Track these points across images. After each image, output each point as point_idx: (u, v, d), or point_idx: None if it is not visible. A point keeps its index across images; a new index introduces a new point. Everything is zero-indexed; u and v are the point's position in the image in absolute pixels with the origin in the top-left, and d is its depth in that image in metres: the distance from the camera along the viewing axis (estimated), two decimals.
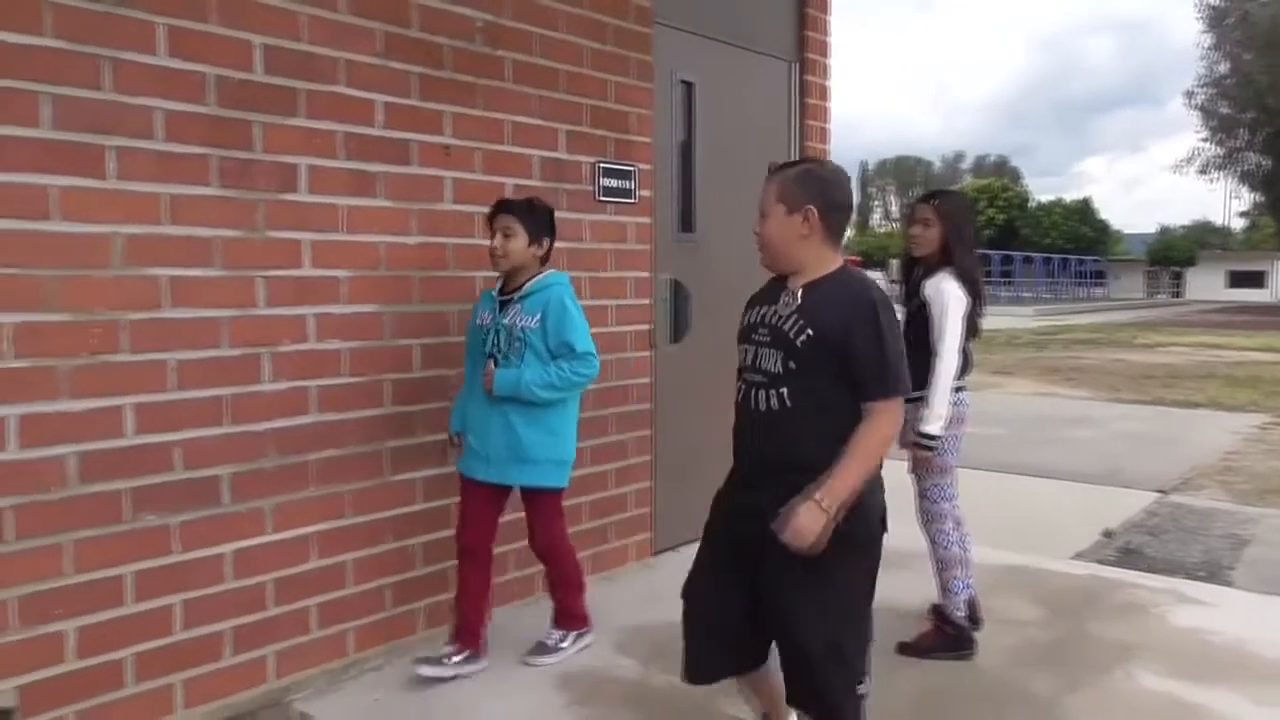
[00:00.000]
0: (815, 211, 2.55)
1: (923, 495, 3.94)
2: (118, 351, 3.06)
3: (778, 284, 2.66)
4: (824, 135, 6.14)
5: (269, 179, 3.40)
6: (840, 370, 2.47)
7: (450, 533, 3.81)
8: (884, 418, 2.48)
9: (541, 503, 3.67)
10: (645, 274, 4.93)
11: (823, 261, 2.58)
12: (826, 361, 2.47)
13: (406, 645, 3.88)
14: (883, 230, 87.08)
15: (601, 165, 4.62)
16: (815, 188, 2.57)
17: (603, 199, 4.67)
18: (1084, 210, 65.29)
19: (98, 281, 3.01)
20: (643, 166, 4.86)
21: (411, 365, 3.88)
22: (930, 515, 3.93)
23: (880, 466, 2.55)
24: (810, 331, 2.48)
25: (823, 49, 6.10)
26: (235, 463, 3.35)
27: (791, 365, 2.50)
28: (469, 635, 3.66)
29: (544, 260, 3.65)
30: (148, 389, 3.13)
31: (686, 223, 5.25)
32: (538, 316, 3.50)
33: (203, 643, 3.29)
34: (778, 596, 2.53)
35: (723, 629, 2.66)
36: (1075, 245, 59.96)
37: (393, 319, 3.80)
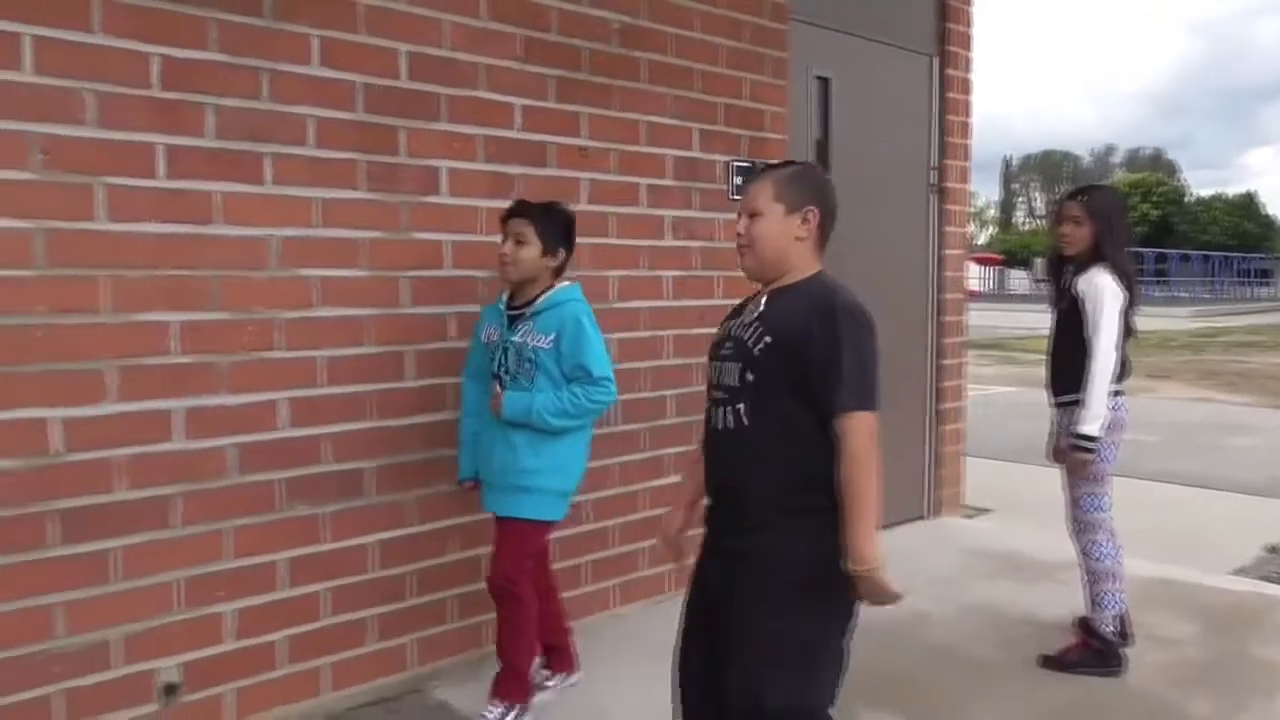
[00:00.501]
0: (817, 213, 2.35)
1: (1076, 504, 3.78)
2: (272, 348, 3.21)
3: (753, 296, 2.42)
4: (965, 130, 5.96)
5: (412, 182, 3.51)
6: (801, 386, 2.19)
7: (589, 527, 3.86)
8: (850, 437, 2.14)
9: (516, 531, 3.22)
10: None
11: (806, 266, 2.35)
12: (786, 374, 2.20)
13: None
14: (1026, 228, 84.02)
15: (735, 164, 4.60)
16: (816, 188, 2.39)
17: (736, 198, 4.64)
18: (1248, 205, 61.53)
19: (255, 282, 3.16)
20: None
21: None
22: (1083, 525, 3.77)
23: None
24: (768, 339, 2.24)
25: (964, 41, 5.92)
26: (379, 456, 3.48)
27: (749, 378, 2.25)
28: (557, 656, 3.50)
29: (558, 273, 3.28)
30: (299, 384, 3.28)
31: None
32: (551, 336, 3.14)
33: (348, 629, 3.43)
34: (729, 654, 2.25)
35: (706, 708, 2.34)
36: (1238, 242, 56.51)
37: None
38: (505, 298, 3.31)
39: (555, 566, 3.99)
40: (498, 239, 3.73)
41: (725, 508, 2.34)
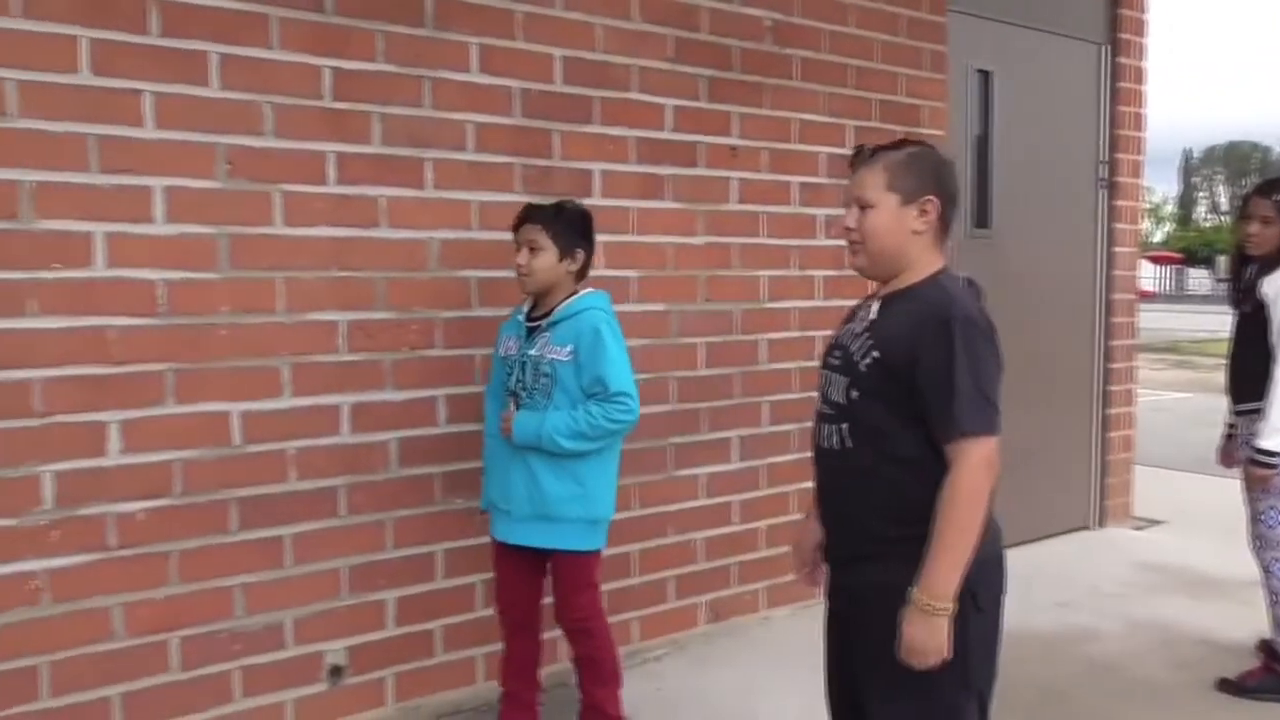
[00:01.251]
0: (937, 203, 2.07)
1: (1256, 519, 3.53)
2: (432, 347, 3.33)
3: (870, 297, 2.20)
4: (1138, 121, 5.65)
5: (566, 184, 3.58)
6: (913, 408, 1.98)
7: (739, 527, 3.86)
8: (965, 464, 1.92)
9: (569, 568, 2.99)
10: None
11: (925, 264, 2.09)
12: (895, 393, 1.99)
13: (687, 640, 3.97)
14: (1208, 224, 78.98)
15: None
16: (935, 174, 2.10)
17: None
18: None
19: (417, 282, 3.29)
20: None
21: (696, 363, 3.96)
22: (1265, 541, 3.52)
23: (988, 522, 1.98)
24: (876, 353, 2.02)
25: (1138, 27, 5.61)
26: None
27: (854, 395, 2.04)
28: (515, 708, 3.14)
29: (580, 276, 3.03)
30: (457, 382, 3.39)
31: (982, 218, 5.02)
32: (569, 348, 2.88)
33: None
34: (862, 695, 2.11)
35: None
36: None
37: (679, 317, 3.90)
38: (526, 308, 3.07)
39: (703, 567, 4.02)
40: (649, 239, 3.79)
41: (834, 534, 2.17)
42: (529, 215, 2.98)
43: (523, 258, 2.94)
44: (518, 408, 2.94)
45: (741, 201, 4.04)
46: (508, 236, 3.42)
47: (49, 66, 2.64)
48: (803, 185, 4.20)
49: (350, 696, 3.23)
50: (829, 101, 4.27)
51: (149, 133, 2.79)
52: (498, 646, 3.22)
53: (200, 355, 2.91)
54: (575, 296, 2.98)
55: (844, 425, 2.06)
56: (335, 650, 3.20)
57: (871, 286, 2.20)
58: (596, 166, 3.65)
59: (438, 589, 3.39)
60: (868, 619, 2.04)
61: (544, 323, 2.96)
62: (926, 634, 1.90)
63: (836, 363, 2.12)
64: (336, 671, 3.20)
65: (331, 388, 3.14)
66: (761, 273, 4.11)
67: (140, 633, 2.86)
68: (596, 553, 3.03)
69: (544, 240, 2.93)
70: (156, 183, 2.81)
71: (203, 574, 2.95)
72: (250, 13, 2.92)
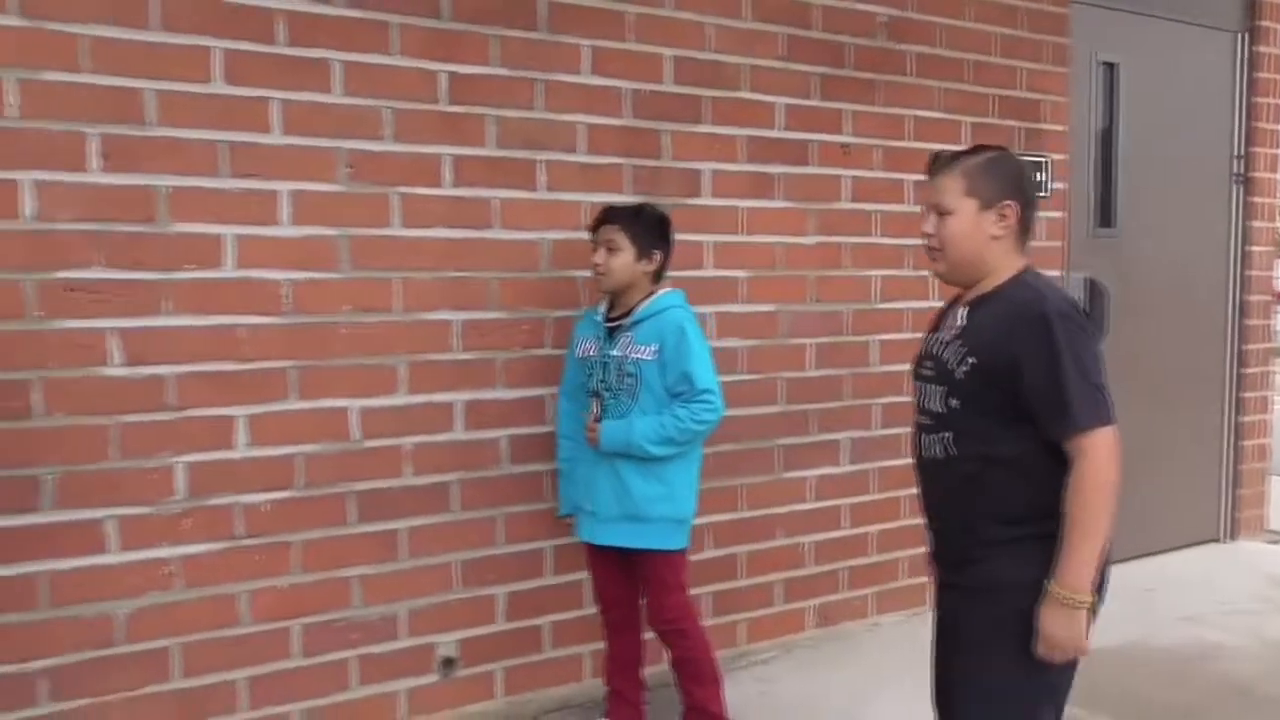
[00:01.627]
0: (1016, 207, 2.08)
1: None
2: (542, 346, 3.37)
3: (954, 303, 2.20)
4: (1277, 113, 5.36)
5: (676, 184, 3.58)
6: (1015, 409, 1.97)
7: (848, 531, 3.81)
8: (1089, 458, 1.91)
9: (659, 569, 3.00)
10: (1057, 272, 4.59)
11: (1007, 267, 2.09)
12: (997, 398, 1.99)
13: (795, 643, 3.93)
14: None
15: None
16: (1013, 178, 2.11)
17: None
18: None
19: (528, 282, 3.33)
20: (1055, 157, 4.54)
21: (805, 364, 3.91)
22: None
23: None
24: (972, 360, 2.01)
25: (1279, 14, 5.33)
26: None
27: (953, 404, 2.05)
28: (621, 705, 3.19)
29: (657, 277, 3.05)
30: None
31: (1105, 217, 4.83)
32: (654, 346, 2.91)
33: None
34: (946, 686, 2.15)
35: None
36: None
37: (788, 318, 3.86)
38: (603, 308, 3.09)
39: (812, 571, 3.98)
40: (759, 239, 3.77)
41: (941, 539, 2.19)
42: (608, 216, 3.02)
43: (599, 256, 2.98)
44: (601, 408, 2.98)
45: (853, 200, 3.98)
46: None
47: (185, 77, 2.76)
48: (917, 183, 4.11)
49: (460, 688, 3.30)
50: (945, 97, 4.18)
51: (276, 138, 2.89)
52: (603, 645, 3.25)
53: (322, 353, 3.01)
54: (655, 296, 3.01)
55: (946, 434, 2.08)
56: (447, 643, 3.27)
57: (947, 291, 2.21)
58: (706, 166, 3.64)
59: (547, 585, 3.43)
60: (971, 617, 2.08)
61: (625, 322, 2.98)
62: (1065, 627, 1.92)
63: (929, 373, 2.14)
64: (448, 663, 3.27)
65: (446, 386, 3.21)
66: (874, 272, 4.04)
67: (264, 619, 2.97)
68: (683, 552, 3.05)
69: (622, 240, 2.96)
70: (282, 186, 2.92)
71: (323, 564, 3.05)
72: (371, 20, 3.00)
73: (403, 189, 3.10)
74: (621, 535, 2.98)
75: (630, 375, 2.92)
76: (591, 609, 3.40)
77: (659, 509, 2.95)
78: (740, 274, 3.74)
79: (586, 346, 3.07)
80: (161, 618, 2.83)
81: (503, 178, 3.26)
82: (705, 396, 2.88)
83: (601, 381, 2.98)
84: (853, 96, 3.94)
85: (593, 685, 3.44)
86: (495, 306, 3.28)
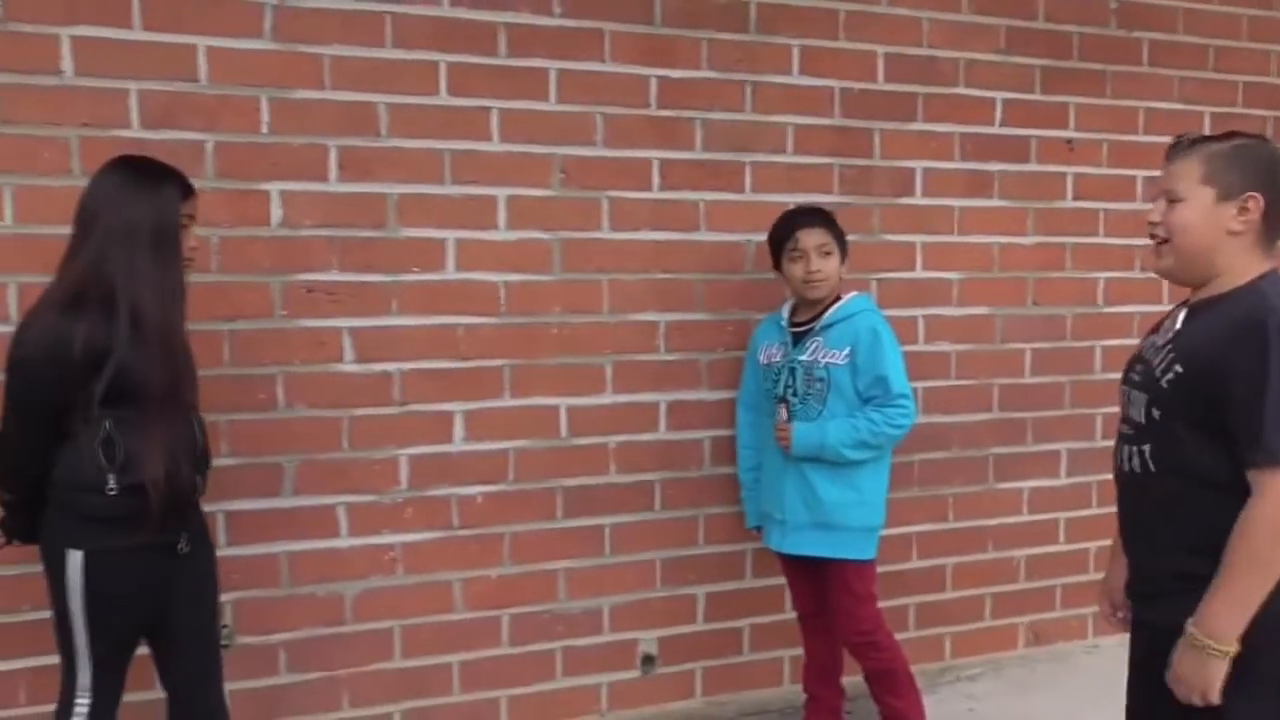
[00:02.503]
0: (1261, 201, 1.82)
1: None
2: (745, 348, 3.35)
3: (1180, 306, 1.98)
4: None
5: (886, 184, 3.49)
6: (1221, 427, 1.76)
7: (1065, 547, 3.63)
8: (1266, 497, 1.69)
9: (849, 579, 2.89)
10: None
11: (1243, 268, 1.85)
12: (1201, 412, 1.78)
13: (1005, 661, 3.77)
14: None
15: None
16: (1264, 170, 1.84)
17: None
18: None
19: (732, 284, 3.33)
20: None
21: (1023, 370, 3.73)
22: None
23: None
24: (1179, 368, 1.82)
25: None
26: None
27: (1155, 414, 1.86)
28: (820, 713, 3.15)
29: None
30: None
31: None
32: (846, 350, 2.82)
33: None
34: None
35: None
36: None
37: (1004, 321, 3.69)
38: (786, 313, 3.02)
39: (1025, 586, 3.80)
40: (974, 239, 3.62)
41: (1136, 567, 2.00)
42: (816, 219, 2.92)
43: (816, 262, 2.87)
44: (789, 414, 2.89)
45: (1077, 198, 3.76)
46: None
47: (414, 90, 2.92)
48: (1149, 180, 3.83)
49: (660, 686, 3.34)
50: (1183, 87, 3.88)
51: (495, 146, 3.01)
52: (800, 651, 3.22)
53: (534, 352, 3.11)
54: (845, 300, 2.92)
55: (1144, 447, 1.89)
56: (648, 639, 3.32)
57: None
58: (919, 165, 3.53)
59: (747, 588, 3.43)
60: (1160, 665, 1.84)
61: (815, 325, 2.90)
62: (1194, 670, 1.75)
63: (1137, 378, 1.96)
64: (649, 660, 3.32)
65: (650, 386, 3.26)
66: (1098, 274, 3.80)
67: (476, 607, 3.10)
68: (873, 562, 2.94)
69: (834, 245, 2.90)
70: (500, 192, 3.03)
71: (531, 557, 3.15)
72: (586, 29, 3.08)
73: (612, 193, 3.16)
74: (812, 543, 2.90)
75: (820, 380, 2.85)
76: (791, 614, 3.37)
77: (851, 516, 2.86)
78: (953, 275, 3.60)
79: (771, 352, 3.00)
80: (385, 600, 3.01)
81: (710, 180, 3.27)
82: (900, 401, 2.80)
83: (789, 387, 2.91)
84: (1079, 89, 3.72)
85: (791, 691, 3.41)
86: (699, 308, 3.30)
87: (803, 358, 2.89)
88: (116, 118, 2.65)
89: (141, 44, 2.66)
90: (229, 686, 2.50)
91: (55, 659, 2.22)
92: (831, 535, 2.87)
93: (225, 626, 2.75)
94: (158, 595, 2.22)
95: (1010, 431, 3.73)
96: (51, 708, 2.23)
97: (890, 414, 2.79)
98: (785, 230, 2.93)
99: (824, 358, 2.85)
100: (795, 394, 2.89)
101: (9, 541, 2.25)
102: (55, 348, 2.03)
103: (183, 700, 2.36)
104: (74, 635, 2.14)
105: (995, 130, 3.62)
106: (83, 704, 2.18)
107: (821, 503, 2.85)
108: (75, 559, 2.10)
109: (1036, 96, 3.67)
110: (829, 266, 2.88)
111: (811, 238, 2.89)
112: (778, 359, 2.96)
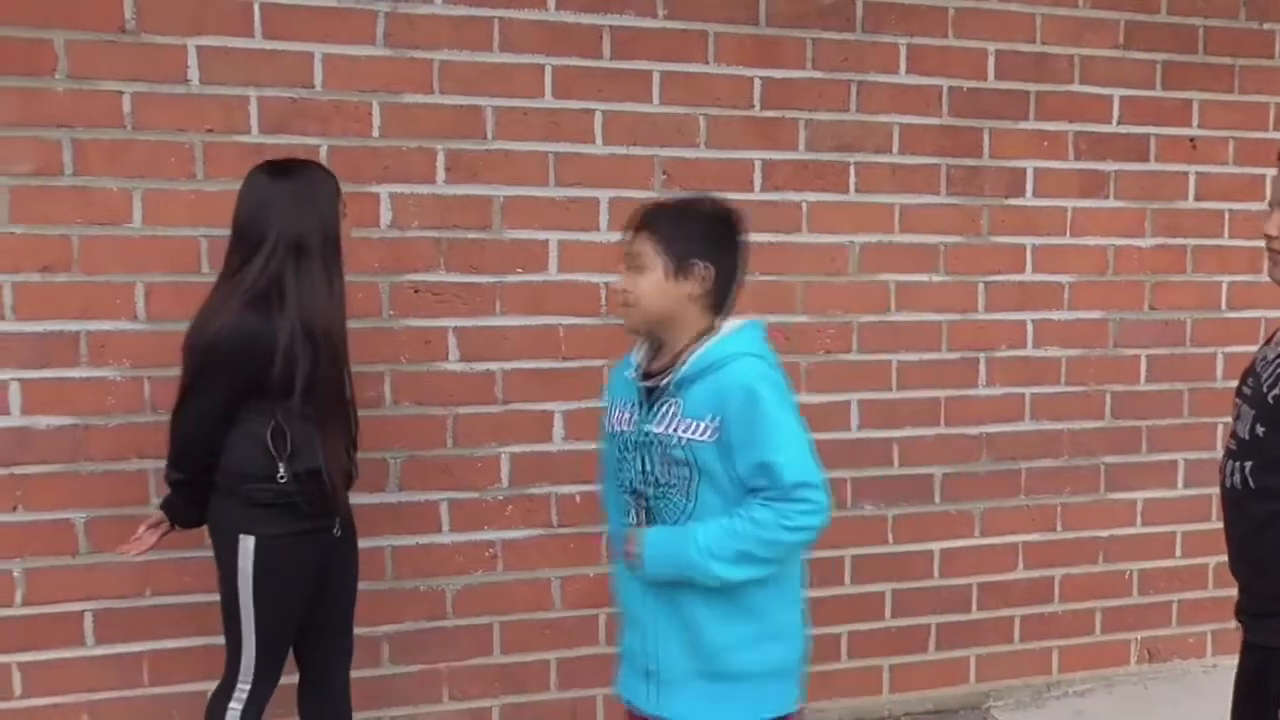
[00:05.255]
0: None
1: None
2: (849, 351, 3.32)
3: None
4: None
5: (995, 184, 3.40)
6: None
7: (1182, 561, 3.52)
8: None
9: None
10: None
11: None
12: None
13: (1116, 677, 3.64)
14: None
15: None
16: None
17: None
18: None
19: (835, 286, 3.29)
20: None
21: (1138, 377, 3.60)
22: None
23: None
24: None
25: None
26: (948, 463, 3.43)
27: (1259, 431, 1.78)
28: None
29: (716, 307, 1.96)
30: (872, 387, 3.35)
31: None
32: (711, 419, 1.84)
33: (909, 633, 3.44)
34: None
35: None
36: None
37: (1119, 326, 3.56)
38: (638, 358, 2.02)
39: (1138, 601, 3.66)
40: (1088, 241, 3.51)
41: (1240, 583, 1.93)
42: (633, 221, 1.98)
43: (624, 278, 1.94)
44: (647, 515, 1.93)
45: (1199, 199, 3.60)
46: (930, 239, 3.35)
47: (521, 93, 2.95)
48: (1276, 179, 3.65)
49: (850, 680, 3.36)
50: None
51: (598, 149, 3.03)
52: (904, 659, 3.18)
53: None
54: (711, 338, 1.93)
55: (1247, 463, 1.82)
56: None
57: None
58: (1030, 164, 3.42)
59: (846, 594, 3.38)
60: (1266, 689, 1.79)
61: (667, 381, 1.91)
62: None
63: (1248, 391, 1.88)
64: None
65: None
66: (1222, 278, 3.64)
67: (574, 606, 3.13)
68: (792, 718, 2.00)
69: (650, 253, 1.90)
70: (602, 194, 3.05)
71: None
72: (692, 31, 3.07)
73: (714, 194, 3.13)
74: (697, 707, 1.92)
75: (681, 464, 1.87)
76: (892, 621, 3.32)
77: (752, 659, 1.91)
78: (1065, 279, 3.49)
79: (620, 416, 1.99)
80: (486, 596, 3.06)
81: (813, 181, 3.23)
82: (800, 492, 1.80)
83: (642, 473, 1.92)
84: (1203, 84, 3.56)
85: (890, 700, 3.35)
86: (800, 310, 3.26)
87: (654, 429, 1.90)
88: (238, 123, 2.75)
89: (262, 52, 2.76)
90: None
91: (175, 643, 2.32)
92: (726, 688, 1.91)
93: None
94: (318, 578, 2.35)
95: (1124, 440, 3.59)
96: (171, 690, 2.33)
97: (784, 511, 1.80)
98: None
99: (682, 431, 1.87)
100: (653, 482, 1.91)
101: (173, 527, 2.38)
102: (241, 340, 2.18)
103: (317, 680, 2.51)
104: (241, 619, 2.28)
105: (1112, 128, 3.49)
106: (244, 687, 2.30)
107: (706, 644, 1.89)
108: (248, 544, 2.24)
109: (1156, 93, 3.52)
110: (641, 285, 1.90)
111: (628, 248, 1.96)
112: (627, 427, 1.97)
